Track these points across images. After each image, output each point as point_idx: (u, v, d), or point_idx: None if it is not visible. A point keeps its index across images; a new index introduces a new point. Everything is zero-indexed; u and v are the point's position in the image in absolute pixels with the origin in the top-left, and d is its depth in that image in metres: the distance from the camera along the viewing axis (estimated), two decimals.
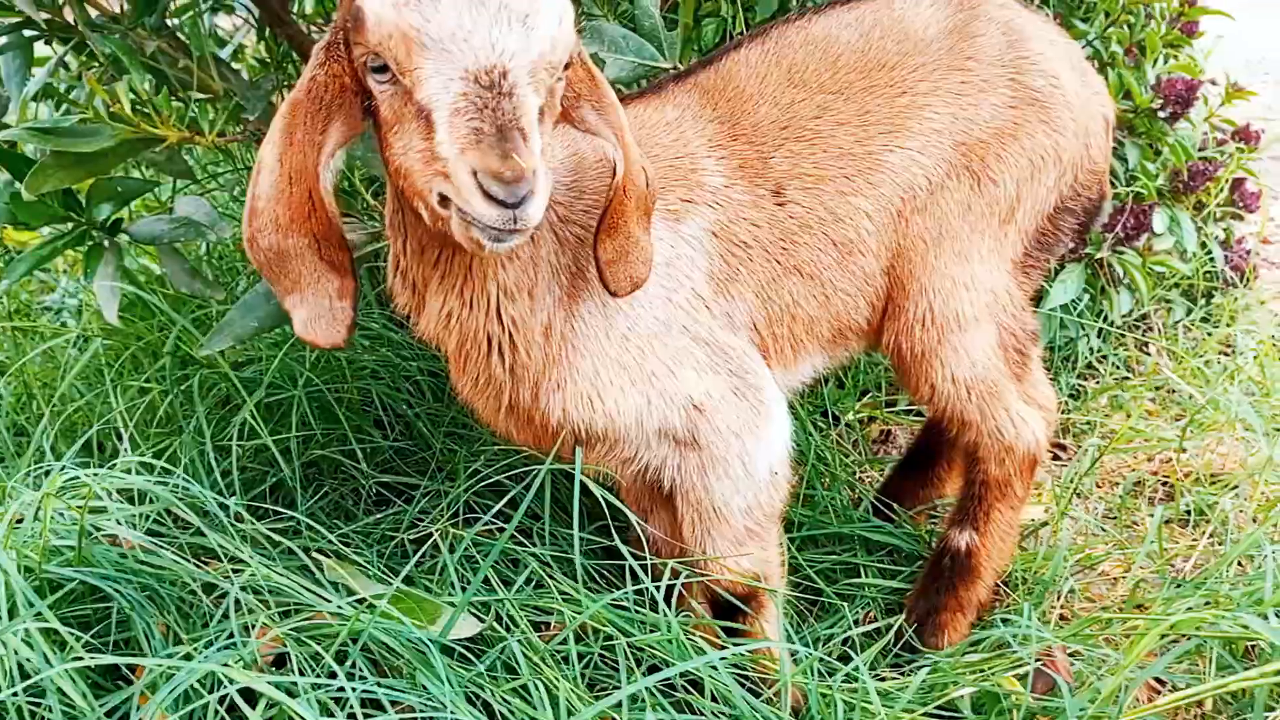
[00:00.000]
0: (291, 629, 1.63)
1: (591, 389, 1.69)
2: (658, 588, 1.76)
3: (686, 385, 1.71)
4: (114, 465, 1.95)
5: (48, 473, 2.12)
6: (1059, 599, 2.11)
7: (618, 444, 1.77)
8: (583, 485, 1.74)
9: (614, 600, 1.78)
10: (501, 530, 1.85)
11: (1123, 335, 3.31)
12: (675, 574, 1.79)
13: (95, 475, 1.69)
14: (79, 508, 1.62)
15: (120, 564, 1.67)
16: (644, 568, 1.78)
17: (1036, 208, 1.86)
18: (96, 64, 2.09)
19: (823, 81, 1.78)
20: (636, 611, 1.81)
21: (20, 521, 1.70)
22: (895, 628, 1.99)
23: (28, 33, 2.31)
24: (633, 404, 1.70)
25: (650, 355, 1.70)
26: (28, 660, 1.39)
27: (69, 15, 2.01)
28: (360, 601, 1.74)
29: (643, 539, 1.86)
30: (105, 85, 1.75)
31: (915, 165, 1.80)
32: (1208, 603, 1.94)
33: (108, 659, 1.45)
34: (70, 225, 2.02)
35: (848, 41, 1.80)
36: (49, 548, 1.60)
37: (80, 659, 1.41)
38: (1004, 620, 2.02)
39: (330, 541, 1.97)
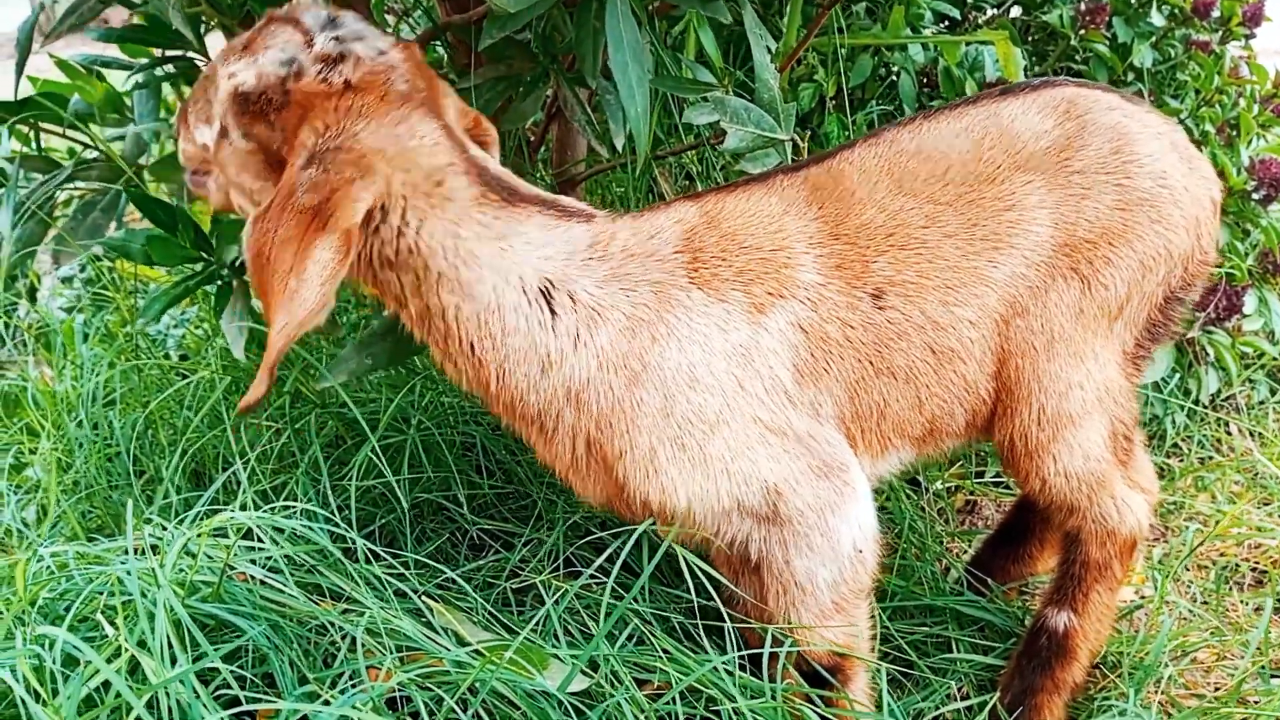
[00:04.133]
0: (411, 674, 1.68)
1: (649, 464, 1.74)
2: (760, 656, 1.80)
3: (760, 469, 1.74)
4: (234, 503, 2.03)
5: (173, 507, 2.21)
6: (1157, 686, 2.11)
7: (685, 522, 1.80)
8: (674, 548, 1.78)
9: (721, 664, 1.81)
10: (599, 584, 1.90)
11: (1206, 414, 3.30)
12: (775, 641, 1.82)
13: (244, 515, 1.75)
14: (226, 546, 1.68)
15: (254, 600, 1.73)
16: (738, 631, 1.81)
17: (1146, 302, 1.89)
18: None
19: (932, 192, 1.82)
20: (741, 676, 1.84)
21: (147, 556, 1.78)
22: (990, 705, 2.00)
23: (159, 71, 2.43)
24: (696, 485, 1.74)
25: (715, 439, 1.73)
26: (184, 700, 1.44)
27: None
28: (469, 646, 1.79)
29: (732, 601, 1.89)
30: None
31: (1020, 277, 1.82)
32: None
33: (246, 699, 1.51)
34: (200, 265, 2.10)
35: (959, 152, 1.84)
36: (185, 582, 1.66)
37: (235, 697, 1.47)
38: (1104, 706, 2.02)
39: (440, 585, 2.03)
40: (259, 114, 1.56)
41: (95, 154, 2.67)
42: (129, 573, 1.50)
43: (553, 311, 1.68)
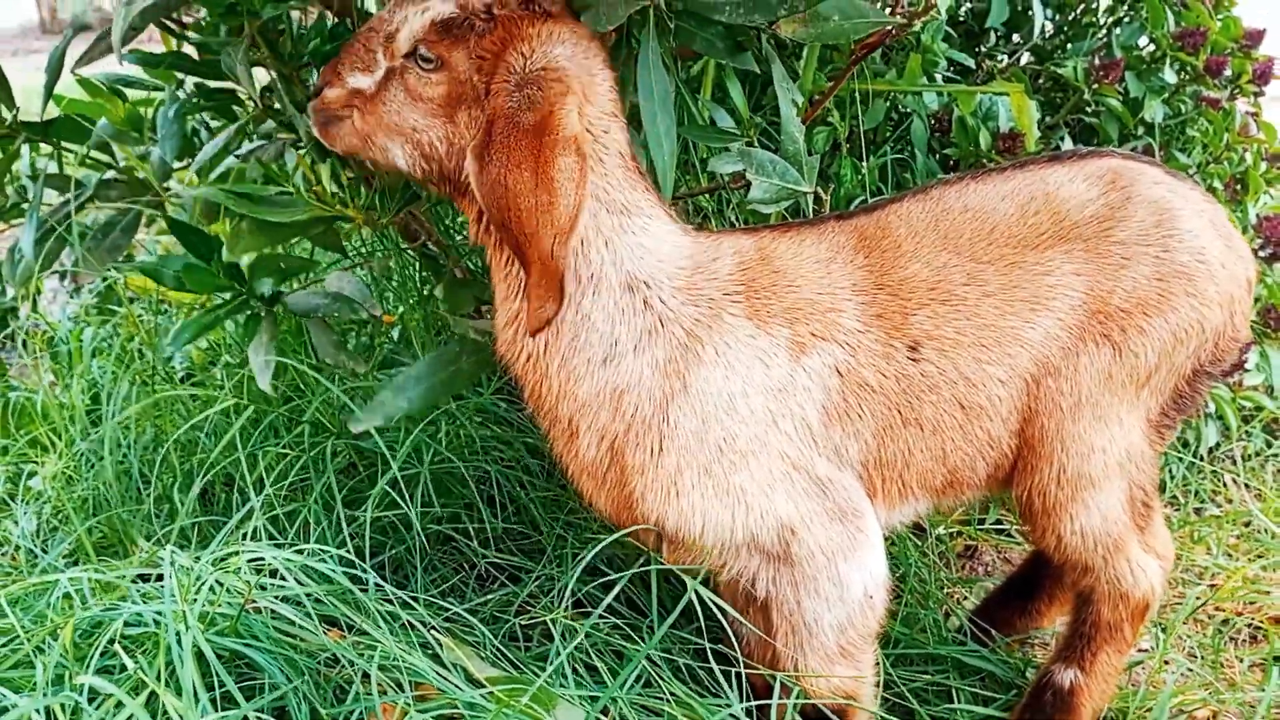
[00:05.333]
0: (421, 711, 1.70)
1: (671, 484, 1.77)
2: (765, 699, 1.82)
3: (778, 506, 1.78)
4: (245, 528, 2.04)
5: (183, 530, 2.22)
6: None
7: (697, 549, 1.83)
8: (683, 581, 1.80)
9: (729, 712, 1.82)
10: (606, 622, 1.92)
11: (1202, 467, 3.33)
12: (784, 688, 1.84)
13: (266, 549, 1.76)
14: (246, 581, 1.69)
15: (268, 633, 1.74)
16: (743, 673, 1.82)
17: (1174, 373, 1.92)
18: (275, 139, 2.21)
19: (975, 251, 1.86)
20: None
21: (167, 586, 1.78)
22: None
23: (182, 93, 2.44)
24: (714, 513, 1.77)
25: (741, 470, 1.76)
26: None
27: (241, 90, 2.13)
28: (477, 683, 1.80)
29: (737, 639, 1.91)
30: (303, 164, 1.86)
31: (1053, 339, 1.86)
32: None
33: None
34: (230, 294, 2.12)
35: (1004, 214, 1.88)
36: (207, 615, 1.67)
37: None
38: None
39: (449, 619, 2.04)
40: (460, 39, 1.66)
41: (113, 173, 2.68)
42: (159, 613, 1.51)
43: (633, 307, 1.73)
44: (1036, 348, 1.86)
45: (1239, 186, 3.51)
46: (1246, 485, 3.35)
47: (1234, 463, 3.42)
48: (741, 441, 1.75)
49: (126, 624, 1.64)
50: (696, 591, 1.82)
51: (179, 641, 1.48)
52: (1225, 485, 3.36)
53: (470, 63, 1.66)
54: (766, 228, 1.94)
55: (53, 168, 2.59)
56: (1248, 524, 3.13)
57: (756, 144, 2.19)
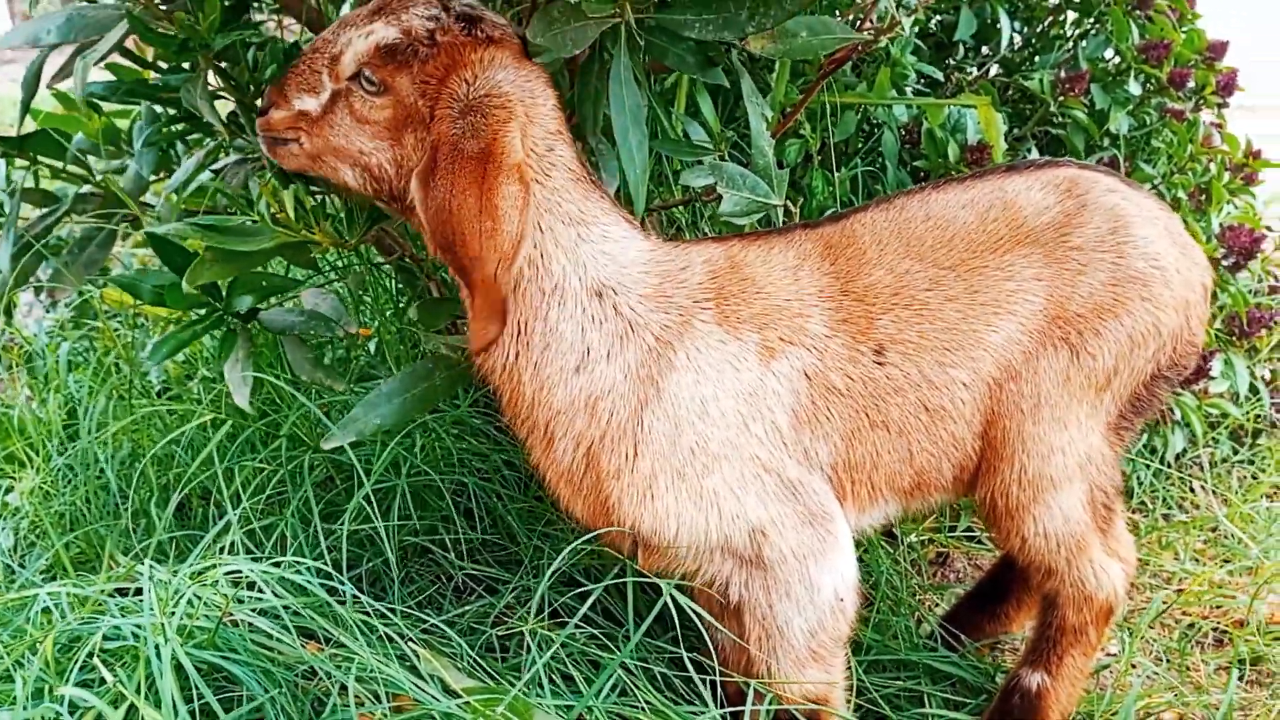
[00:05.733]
0: None
1: (646, 488, 1.80)
2: (739, 708, 1.84)
3: (750, 509, 1.81)
4: (223, 541, 2.06)
5: (160, 544, 2.23)
6: None
7: (671, 553, 1.86)
8: (658, 591, 1.82)
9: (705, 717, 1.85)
10: (581, 631, 1.94)
11: (1170, 474, 3.39)
12: (758, 695, 1.87)
13: (245, 563, 1.77)
14: (223, 594, 1.70)
15: (245, 645, 1.75)
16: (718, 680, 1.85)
17: (1133, 376, 1.96)
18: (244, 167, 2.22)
19: (937, 257, 1.91)
20: None
21: (146, 601, 1.80)
22: None
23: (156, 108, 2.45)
24: (688, 516, 1.81)
25: (714, 473, 1.80)
26: None
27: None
28: (454, 693, 1.82)
29: (713, 647, 1.94)
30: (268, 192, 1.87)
31: (1014, 343, 1.91)
32: None
33: None
34: (205, 310, 2.13)
35: (964, 222, 1.93)
36: (185, 629, 1.69)
37: None
38: None
39: (426, 631, 2.06)
40: (404, 64, 1.68)
41: (89, 188, 2.69)
42: (139, 626, 1.52)
43: (602, 313, 1.76)
44: (998, 351, 1.90)
45: (1203, 197, 3.57)
46: (1213, 491, 3.40)
47: (1201, 469, 3.48)
48: (714, 445, 1.79)
49: (105, 638, 1.65)
50: (672, 598, 1.84)
51: (158, 654, 1.49)
52: (1192, 491, 3.42)
53: (415, 87, 1.69)
54: (736, 236, 1.98)
55: (29, 182, 2.59)
56: (1214, 529, 3.19)
57: (727, 158, 2.22)
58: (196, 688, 1.53)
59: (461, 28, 1.68)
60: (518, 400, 1.83)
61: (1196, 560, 3.03)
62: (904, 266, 1.90)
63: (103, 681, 1.58)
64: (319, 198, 1.99)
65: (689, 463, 1.78)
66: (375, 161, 1.74)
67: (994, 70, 3.77)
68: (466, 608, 2.28)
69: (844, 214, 1.99)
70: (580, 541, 1.92)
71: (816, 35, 2.02)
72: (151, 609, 1.59)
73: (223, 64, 1.97)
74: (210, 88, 1.92)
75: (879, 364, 1.87)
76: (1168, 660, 2.56)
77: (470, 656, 2.09)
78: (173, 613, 1.60)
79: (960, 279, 1.90)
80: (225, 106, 2.03)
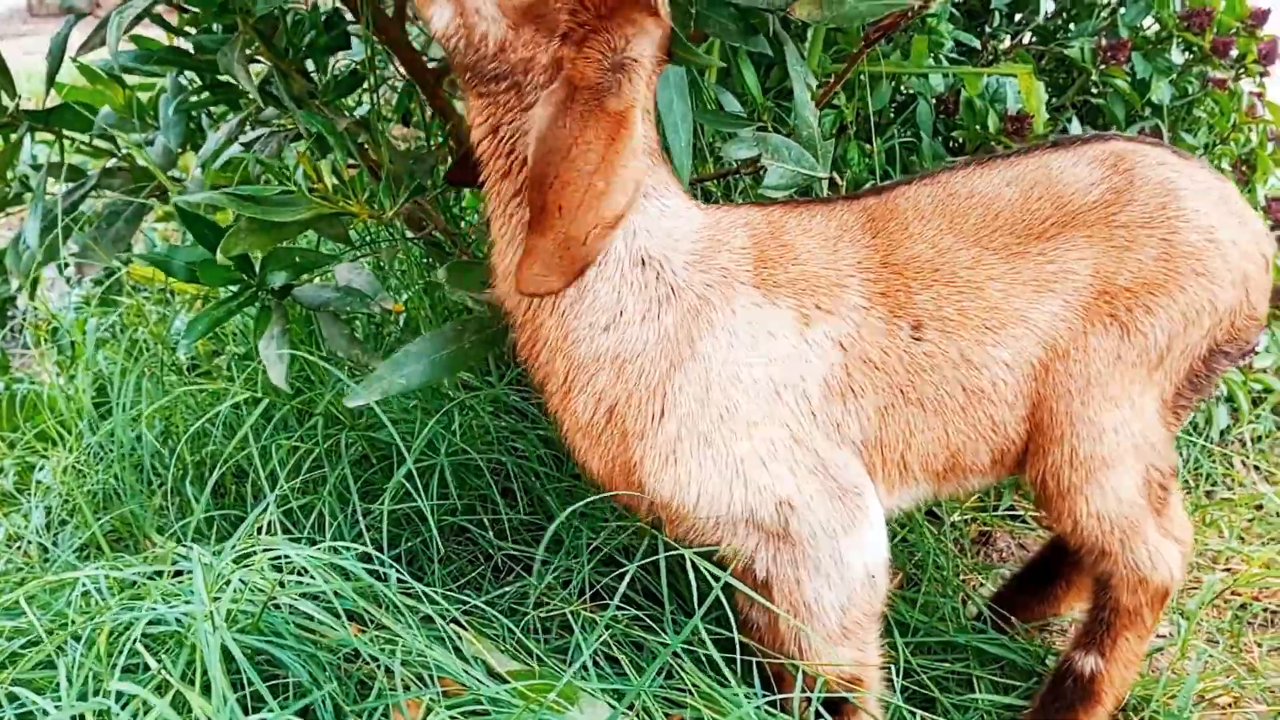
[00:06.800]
0: (446, 706, 1.68)
1: (670, 451, 1.75)
2: (789, 699, 1.80)
3: (778, 481, 1.76)
4: (260, 521, 2.02)
5: (198, 525, 2.19)
6: None
7: (691, 520, 1.81)
8: (698, 573, 1.78)
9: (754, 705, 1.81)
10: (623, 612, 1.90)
11: (1213, 451, 3.33)
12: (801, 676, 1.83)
13: (289, 547, 1.74)
14: (268, 579, 1.67)
15: (289, 630, 1.72)
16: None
17: (1188, 354, 1.91)
18: (278, 136, 2.18)
19: (980, 235, 1.86)
20: (768, 712, 1.85)
21: (173, 580, 1.76)
22: None
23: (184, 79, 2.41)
24: (710, 484, 1.75)
25: (742, 440, 1.75)
26: None
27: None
28: (498, 676, 1.79)
29: (746, 623, 1.90)
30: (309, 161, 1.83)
31: (1060, 321, 1.85)
32: None
33: None
34: (239, 287, 2.09)
35: (1008, 200, 1.88)
36: (230, 613, 1.65)
37: None
38: None
39: (467, 612, 2.02)
40: None
41: (116, 161, 2.65)
42: (186, 615, 1.49)
43: (642, 280, 1.71)
44: (1043, 330, 1.85)
45: (1245, 167, 3.49)
46: (1256, 468, 3.35)
47: (1244, 446, 3.42)
48: (744, 411, 1.74)
49: (148, 623, 1.62)
50: (714, 577, 1.80)
51: (206, 642, 1.46)
52: (1235, 468, 3.36)
53: (568, 2, 1.56)
54: (776, 204, 1.93)
55: (55, 156, 2.56)
56: (1259, 507, 3.13)
57: (770, 128, 2.16)
58: (245, 674, 1.49)
59: None
60: (536, 343, 1.78)
61: (1242, 539, 2.97)
62: (946, 243, 1.85)
63: (146, 668, 1.55)
64: (355, 167, 1.95)
65: (716, 428, 1.73)
66: (482, 29, 1.58)
67: (1028, 39, 3.68)
68: (506, 589, 2.24)
69: (886, 186, 1.94)
70: (590, 500, 1.87)
71: (864, 1, 1.96)
72: (199, 594, 1.55)
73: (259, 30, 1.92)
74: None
75: (916, 339, 1.82)
76: (1220, 643, 2.51)
77: (513, 638, 2.06)
78: (217, 598, 1.56)
79: (1003, 259, 1.84)
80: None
